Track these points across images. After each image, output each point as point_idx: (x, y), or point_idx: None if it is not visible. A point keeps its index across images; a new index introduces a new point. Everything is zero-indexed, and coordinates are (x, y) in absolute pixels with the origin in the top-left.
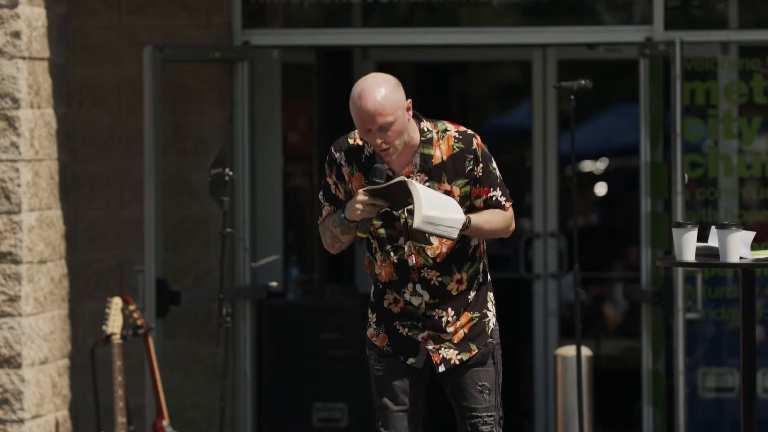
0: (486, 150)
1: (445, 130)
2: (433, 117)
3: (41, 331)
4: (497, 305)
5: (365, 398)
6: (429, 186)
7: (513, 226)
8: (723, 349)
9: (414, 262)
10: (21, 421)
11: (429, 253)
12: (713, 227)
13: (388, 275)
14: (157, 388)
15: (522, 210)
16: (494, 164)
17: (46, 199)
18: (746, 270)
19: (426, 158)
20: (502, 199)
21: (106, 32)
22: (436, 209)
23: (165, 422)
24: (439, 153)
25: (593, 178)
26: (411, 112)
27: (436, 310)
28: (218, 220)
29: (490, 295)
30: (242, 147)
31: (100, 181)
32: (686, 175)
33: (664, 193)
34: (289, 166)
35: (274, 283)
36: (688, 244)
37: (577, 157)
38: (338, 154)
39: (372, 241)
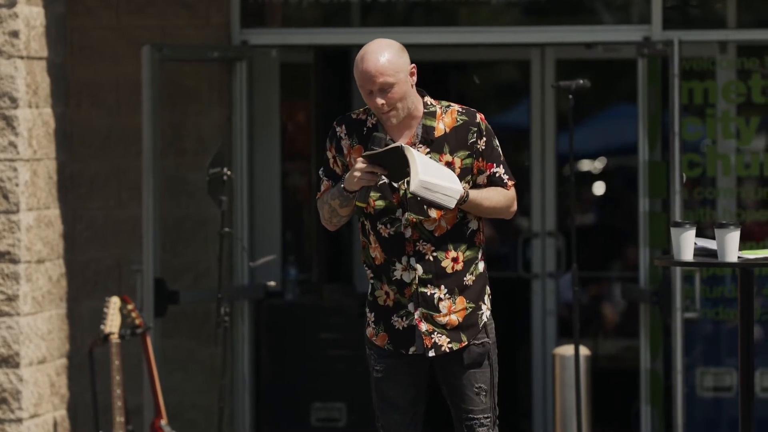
0: (490, 127)
1: (449, 106)
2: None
3: (39, 331)
4: (495, 304)
5: (364, 398)
6: (430, 157)
7: (515, 207)
8: (721, 348)
9: (410, 233)
10: (19, 420)
11: (426, 225)
12: (696, 241)
13: (381, 255)
14: (156, 387)
15: (520, 209)
16: (497, 142)
17: (44, 198)
18: (744, 269)
19: (428, 130)
20: (505, 177)
21: (104, 32)
22: (433, 176)
23: (163, 422)
24: (442, 126)
25: (591, 177)
26: (415, 78)
27: (429, 286)
28: (217, 219)
29: (487, 289)
30: (241, 146)
31: (99, 181)
32: (684, 175)
33: (663, 192)
34: (287, 165)
35: (272, 283)
36: (686, 244)
37: (575, 157)
38: (339, 127)
39: (365, 222)
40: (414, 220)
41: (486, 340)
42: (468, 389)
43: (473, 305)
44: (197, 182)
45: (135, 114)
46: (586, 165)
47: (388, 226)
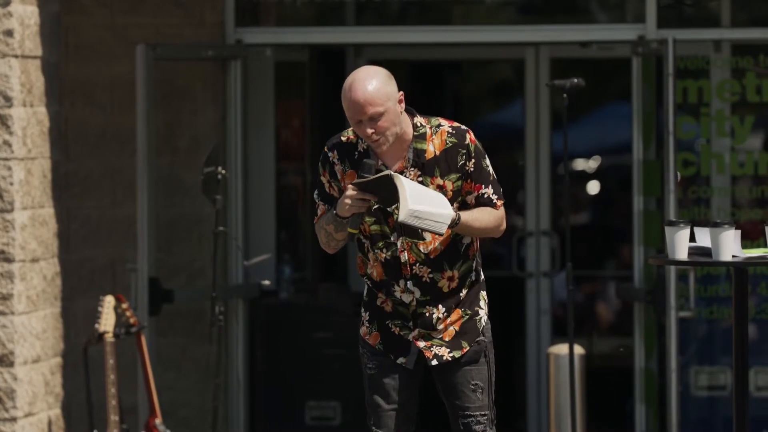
0: (479, 146)
1: (439, 125)
2: (426, 115)
3: (34, 330)
4: (490, 303)
5: (358, 397)
6: (422, 181)
7: (504, 225)
8: (715, 347)
9: (407, 257)
10: (13, 419)
11: (422, 248)
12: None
13: (379, 274)
14: (150, 386)
15: (515, 208)
16: (487, 161)
17: (39, 197)
18: (739, 268)
19: (419, 153)
20: (494, 197)
21: (99, 31)
22: (422, 203)
23: (158, 421)
24: (432, 148)
25: (586, 176)
26: (403, 105)
27: (427, 307)
28: (211, 218)
29: (483, 294)
30: (235, 145)
31: (93, 180)
32: (679, 174)
33: (657, 191)
34: (282, 164)
35: (267, 282)
36: (680, 243)
37: (569, 156)
38: (331, 153)
39: (364, 240)
40: (409, 244)
41: (482, 338)
42: (464, 386)
43: (469, 312)
44: (192, 181)
45: (129, 113)
46: (580, 164)
47: (385, 250)
